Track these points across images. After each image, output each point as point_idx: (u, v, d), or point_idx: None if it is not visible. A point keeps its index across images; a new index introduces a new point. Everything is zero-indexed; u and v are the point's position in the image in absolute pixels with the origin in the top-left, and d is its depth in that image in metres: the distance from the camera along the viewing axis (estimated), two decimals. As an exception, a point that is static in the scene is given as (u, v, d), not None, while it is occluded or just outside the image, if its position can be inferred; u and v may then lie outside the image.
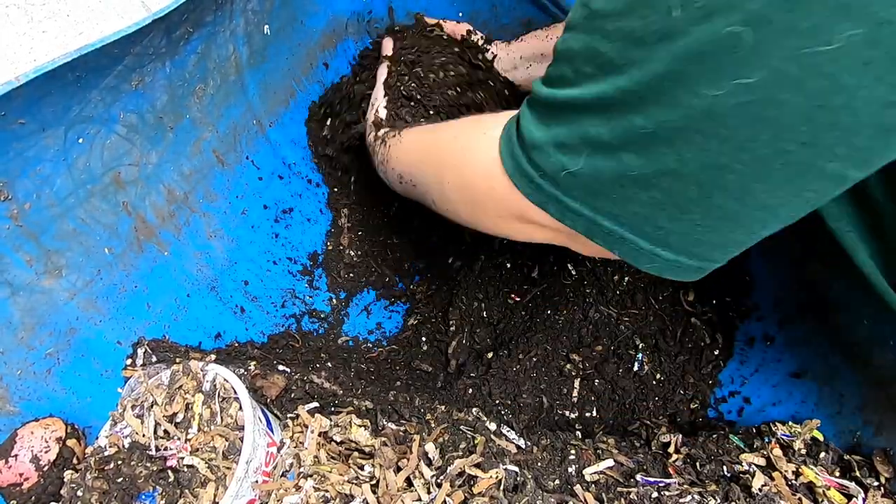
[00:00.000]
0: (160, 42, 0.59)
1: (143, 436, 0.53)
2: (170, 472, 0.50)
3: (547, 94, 0.36)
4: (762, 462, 0.57)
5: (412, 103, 0.75)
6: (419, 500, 0.50)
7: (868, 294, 0.45)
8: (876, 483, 0.55)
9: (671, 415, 0.71)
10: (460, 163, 0.47)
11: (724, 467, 0.57)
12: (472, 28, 0.83)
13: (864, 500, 0.53)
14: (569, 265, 0.81)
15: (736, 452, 0.59)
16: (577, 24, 0.34)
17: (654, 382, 0.73)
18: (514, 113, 0.42)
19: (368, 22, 1.00)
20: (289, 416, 0.60)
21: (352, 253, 0.90)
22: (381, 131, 0.66)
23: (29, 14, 0.66)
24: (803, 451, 0.59)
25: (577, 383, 0.74)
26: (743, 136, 0.28)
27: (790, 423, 0.63)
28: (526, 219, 0.42)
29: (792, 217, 0.33)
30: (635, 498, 0.51)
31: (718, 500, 0.52)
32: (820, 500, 0.53)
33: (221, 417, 0.54)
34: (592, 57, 0.32)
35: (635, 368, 0.74)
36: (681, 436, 0.62)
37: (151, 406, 0.54)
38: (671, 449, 0.61)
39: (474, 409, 0.63)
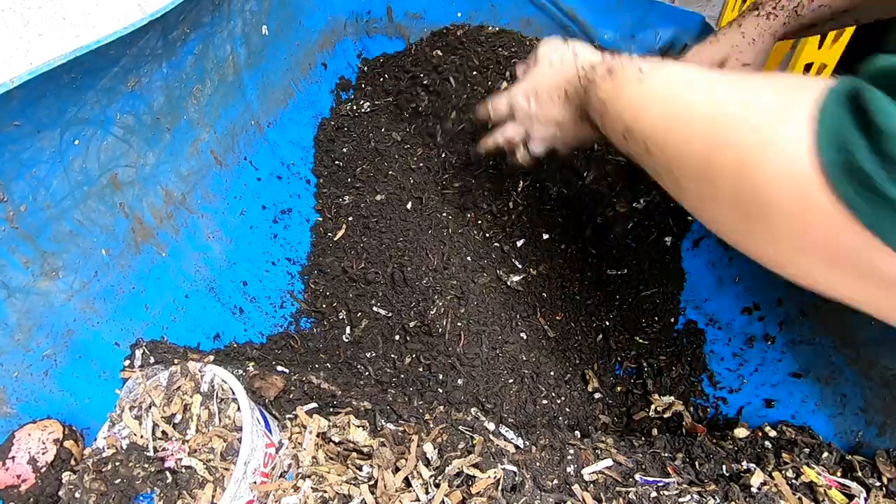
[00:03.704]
0: (157, 43, 0.59)
1: (141, 437, 0.53)
2: (168, 473, 0.50)
3: None
4: (762, 462, 0.57)
5: None
6: (417, 500, 0.50)
7: None
8: (878, 483, 0.54)
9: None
10: (750, 152, 0.29)
11: (724, 467, 0.56)
12: None
13: (866, 499, 0.52)
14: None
15: (735, 452, 0.59)
16: None
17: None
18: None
19: (367, 22, 1.00)
20: (287, 416, 0.60)
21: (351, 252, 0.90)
22: (606, 62, 0.46)
23: (25, 18, 0.66)
24: (805, 451, 0.59)
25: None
26: None
27: (790, 423, 0.62)
28: (849, 260, 0.27)
29: None
30: (634, 497, 0.51)
31: (718, 500, 0.51)
32: (821, 499, 0.52)
33: (220, 418, 0.54)
34: None
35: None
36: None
37: (149, 407, 0.54)
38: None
39: (473, 410, 0.63)
